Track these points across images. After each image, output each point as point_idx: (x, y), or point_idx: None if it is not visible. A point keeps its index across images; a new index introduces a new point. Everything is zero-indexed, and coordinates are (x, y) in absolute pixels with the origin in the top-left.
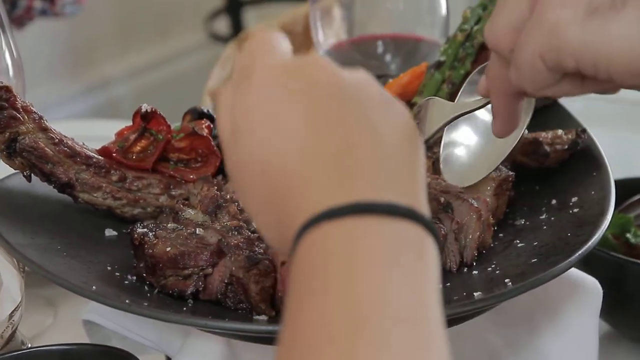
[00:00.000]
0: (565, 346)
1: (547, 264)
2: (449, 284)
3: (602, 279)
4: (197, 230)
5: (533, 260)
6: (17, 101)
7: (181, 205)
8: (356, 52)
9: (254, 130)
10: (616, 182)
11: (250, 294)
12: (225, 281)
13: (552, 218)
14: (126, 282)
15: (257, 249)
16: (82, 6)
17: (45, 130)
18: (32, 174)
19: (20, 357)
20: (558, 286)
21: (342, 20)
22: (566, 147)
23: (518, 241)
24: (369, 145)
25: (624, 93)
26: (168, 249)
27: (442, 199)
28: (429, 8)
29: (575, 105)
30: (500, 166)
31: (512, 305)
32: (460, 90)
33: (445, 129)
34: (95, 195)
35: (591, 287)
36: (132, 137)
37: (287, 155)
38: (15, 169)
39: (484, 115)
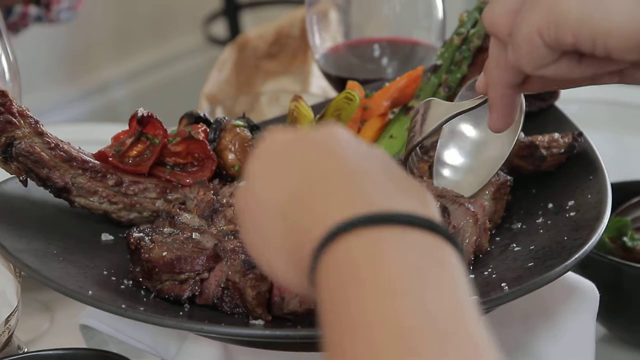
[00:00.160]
0: (562, 350)
1: (543, 267)
2: None
3: (598, 282)
4: (193, 235)
5: (529, 264)
6: (13, 105)
7: (177, 210)
8: (353, 55)
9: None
10: (613, 185)
11: (247, 298)
12: (222, 286)
13: (549, 222)
14: (122, 286)
15: None
16: (77, 12)
17: (41, 134)
18: (28, 179)
19: None
20: (555, 290)
21: (339, 24)
22: (563, 150)
23: (514, 245)
24: (379, 168)
25: (620, 96)
26: (164, 253)
27: (439, 203)
28: (425, 12)
29: (572, 108)
30: (498, 171)
31: (509, 309)
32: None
33: (440, 139)
34: (91, 199)
35: (588, 290)
36: (129, 141)
37: (300, 184)
38: (11, 174)
39: (478, 126)
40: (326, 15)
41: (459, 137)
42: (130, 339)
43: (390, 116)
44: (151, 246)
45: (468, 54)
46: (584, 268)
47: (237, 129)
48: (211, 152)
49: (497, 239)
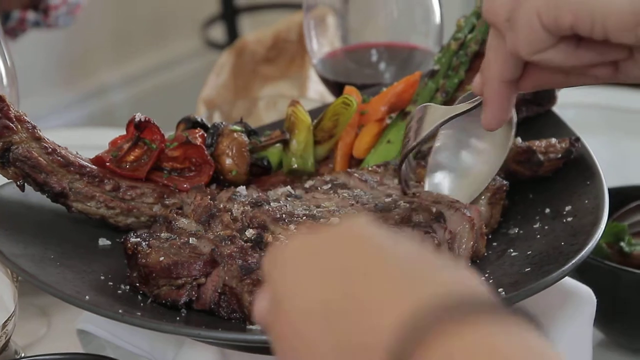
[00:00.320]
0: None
1: (540, 273)
2: None
3: (596, 287)
4: (190, 240)
5: (527, 270)
6: (10, 110)
7: (175, 215)
8: (350, 60)
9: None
10: (610, 190)
11: (244, 303)
12: (219, 291)
13: (546, 227)
14: (119, 291)
15: (250, 258)
16: (75, 17)
17: (38, 139)
18: (25, 184)
19: None
20: (552, 295)
21: (337, 29)
22: (560, 155)
23: (512, 250)
24: (415, 252)
25: (617, 101)
26: (161, 258)
27: (434, 209)
28: (423, 17)
29: (569, 113)
30: (495, 176)
31: None
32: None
33: (435, 146)
34: (88, 204)
35: (585, 295)
36: (126, 146)
37: (343, 281)
38: (8, 179)
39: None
40: (324, 20)
41: (453, 144)
42: (128, 344)
43: (388, 121)
44: (148, 251)
45: (465, 59)
46: (581, 273)
47: (235, 134)
48: (208, 157)
49: (494, 244)
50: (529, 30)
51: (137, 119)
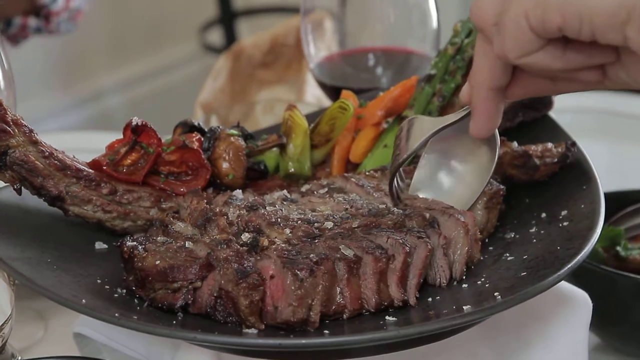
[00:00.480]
0: (556, 359)
1: (536, 277)
2: (438, 297)
3: (592, 292)
4: (186, 244)
5: (523, 274)
6: (7, 114)
7: (171, 219)
8: (347, 65)
9: None
10: (606, 195)
11: (240, 307)
12: (215, 294)
13: (542, 231)
14: (116, 295)
15: (246, 262)
16: (77, 23)
17: (35, 143)
18: (22, 187)
19: None
20: (548, 299)
21: (334, 33)
22: (556, 160)
23: (508, 254)
24: None
25: (613, 105)
26: (157, 262)
27: (428, 215)
28: (420, 21)
29: (565, 118)
30: (491, 180)
31: (502, 319)
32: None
33: (422, 158)
34: (85, 208)
35: (581, 300)
36: (123, 150)
37: None
38: (5, 182)
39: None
40: (321, 24)
41: (436, 167)
42: (124, 347)
43: (385, 125)
44: (144, 255)
45: (462, 63)
46: (577, 277)
47: (232, 138)
48: (205, 161)
49: (491, 248)
50: (517, 33)
51: (134, 123)
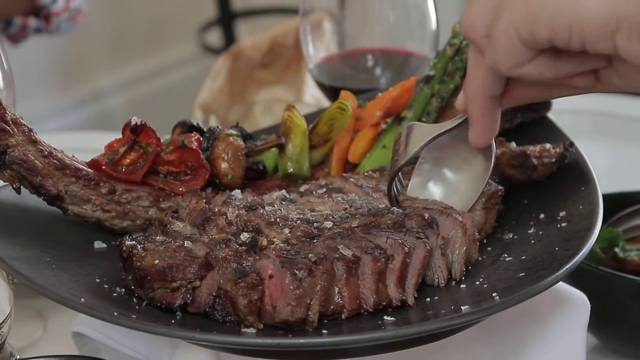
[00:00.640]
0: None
1: (534, 278)
2: (436, 297)
3: (590, 292)
4: (185, 243)
5: (521, 275)
6: (6, 113)
7: (170, 218)
8: (346, 65)
9: None
10: (605, 196)
11: (238, 306)
12: (213, 294)
13: (540, 232)
14: (115, 294)
15: (245, 262)
16: (77, 23)
17: (34, 142)
18: (21, 187)
19: None
20: (546, 300)
21: (333, 34)
22: (554, 160)
23: (506, 255)
24: None
25: (612, 107)
26: (156, 261)
27: (427, 215)
28: (419, 22)
29: (564, 119)
30: (490, 180)
31: (500, 319)
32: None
33: (419, 162)
34: (84, 207)
35: (579, 301)
36: (122, 149)
37: None
38: (4, 181)
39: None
40: (320, 25)
41: (438, 163)
42: (123, 346)
43: (383, 126)
44: (143, 254)
45: (461, 64)
46: (575, 278)
47: (230, 138)
48: (204, 161)
49: (489, 249)
50: (507, 45)
51: (133, 123)
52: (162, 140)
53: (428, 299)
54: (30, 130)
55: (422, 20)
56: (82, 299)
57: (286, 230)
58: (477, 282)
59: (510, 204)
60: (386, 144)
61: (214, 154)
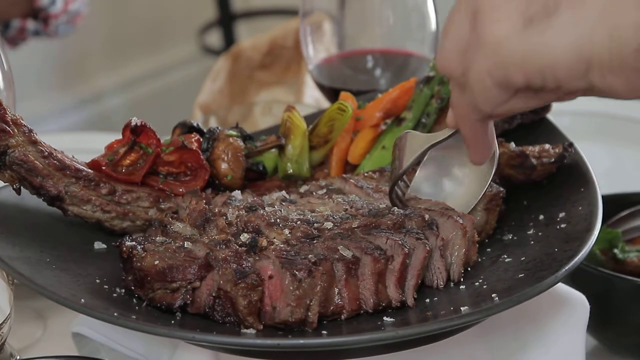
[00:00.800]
0: None
1: (534, 279)
2: (436, 298)
3: (589, 294)
4: (185, 244)
5: (520, 275)
6: (7, 114)
7: (170, 219)
8: (346, 66)
9: None
10: (604, 197)
11: (238, 307)
12: (213, 295)
13: (540, 233)
14: (115, 295)
15: (245, 262)
16: (76, 26)
17: (34, 143)
18: (21, 187)
19: None
20: (545, 301)
21: (333, 35)
22: (553, 160)
23: (505, 256)
24: None
25: (612, 108)
26: (156, 262)
27: (427, 217)
28: (418, 23)
29: (564, 121)
30: (491, 182)
31: (500, 320)
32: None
33: (415, 179)
34: (84, 208)
35: (578, 302)
36: (122, 150)
37: None
38: (4, 182)
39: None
40: (320, 26)
41: (441, 163)
42: (122, 347)
43: (383, 127)
44: (143, 255)
45: None
46: (575, 279)
47: (230, 139)
48: (204, 162)
49: (488, 250)
50: (484, 91)
51: (133, 124)
52: (162, 141)
53: (427, 300)
54: (31, 130)
55: (422, 22)
56: (82, 300)
57: (286, 231)
58: (477, 283)
59: (509, 205)
60: (386, 145)
61: (214, 154)
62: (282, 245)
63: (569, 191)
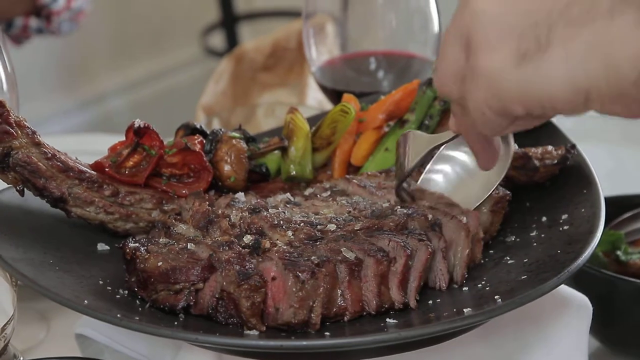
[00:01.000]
0: None
1: (536, 280)
2: (439, 300)
3: (592, 295)
4: (188, 245)
5: (523, 277)
6: (10, 116)
7: (173, 220)
8: (349, 68)
9: None
10: (607, 199)
11: (241, 308)
12: (216, 296)
13: (542, 235)
14: (118, 296)
15: (248, 264)
16: (79, 23)
17: (38, 144)
18: (25, 188)
19: None
20: (548, 303)
21: (336, 37)
22: (555, 161)
23: (508, 258)
24: None
25: None
26: (159, 263)
27: (430, 217)
28: (421, 25)
29: (567, 123)
30: (498, 185)
31: (502, 322)
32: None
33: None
34: (87, 209)
35: (581, 303)
36: (125, 152)
37: None
38: (8, 184)
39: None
40: (323, 28)
41: (453, 155)
42: (126, 348)
43: (386, 129)
44: (147, 256)
45: None
46: (578, 281)
47: (233, 141)
48: (207, 164)
49: (491, 251)
50: (483, 119)
51: (136, 125)
52: (165, 143)
53: (430, 302)
54: (34, 132)
55: (425, 24)
56: (85, 301)
57: (289, 233)
58: (479, 285)
59: (512, 206)
60: (389, 146)
61: (217, 156)
62: (285, 247)
63: (571, 193)
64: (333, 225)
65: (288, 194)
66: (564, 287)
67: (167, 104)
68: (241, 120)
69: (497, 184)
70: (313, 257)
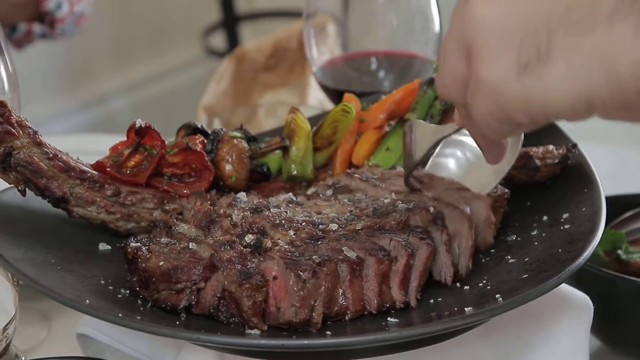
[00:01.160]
0: None
1: (537, 279)
2: (440, 299)
3: (593, 294)
4: (190, 245)
5: (524, 276)
6: (12, 116)
7: (175, 220)
8: (350, 68)
9: None
10: (608, 198)
11: (243, 308)
12: (218, 295)
13: (543, 234)
14: (119, 295)
15: (249, 263)
16: (80, 26)
17: (39, 144)
18: (26, 188)
19: None
20: (549, 302)
21: (337, 37)
22: (556, 161)
23: (509, 257)
24: None
25: None
26: (161, 263)
27: (432, 209)
28: (422, 25)
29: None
30: (497, 184)
31: (503, 321)
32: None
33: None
34: (89, 209)
35: (582, 303)
36: (127, 152)
37: None
38: (9, 183)
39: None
40: (324, 28)
41: (460, 143)
42: (127, 347)
43: (387, 129)
44: (148, 256)
45: None
46: (578, 280)
47: (235, 141)
48: (208, 163)
49: (492, 250)
50: (488, 127)
51: (137, 125)
52: (166, 143)
53: (431, 301)
54: (36, 132)
55: (426, 23)
56: (87, 301)
57: (291, 232)
58: (481, 284)
59: (513, 205)
60: (390, 146)
61: (218, 156)
62: (286, 246)
63: (572, 192)
64: (335, 224)
65: (290, 194)
66: (565, 286)
67: (168, 104)
68: (242, 120)
69: (509, 168)
70: (314, 256)
